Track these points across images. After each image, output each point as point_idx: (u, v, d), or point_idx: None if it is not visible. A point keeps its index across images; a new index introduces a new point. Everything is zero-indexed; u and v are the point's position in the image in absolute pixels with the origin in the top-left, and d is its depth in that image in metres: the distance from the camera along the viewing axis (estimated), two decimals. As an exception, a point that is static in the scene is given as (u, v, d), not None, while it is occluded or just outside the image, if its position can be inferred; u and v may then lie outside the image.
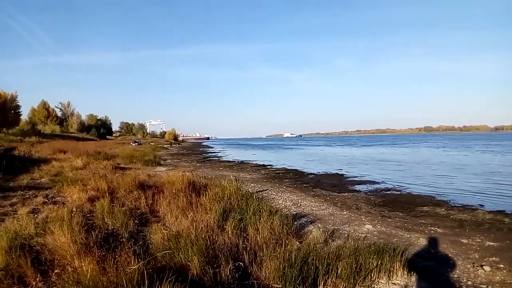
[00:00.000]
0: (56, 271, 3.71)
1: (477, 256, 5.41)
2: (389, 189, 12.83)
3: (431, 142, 72.52)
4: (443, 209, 9.13)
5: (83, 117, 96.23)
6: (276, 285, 3.68)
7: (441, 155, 33.26)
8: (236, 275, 3.79)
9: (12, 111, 47.12)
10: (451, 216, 8.30)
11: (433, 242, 6.10)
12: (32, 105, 73.69)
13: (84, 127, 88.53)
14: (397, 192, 12.18)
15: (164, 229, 5.36)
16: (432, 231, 6.94)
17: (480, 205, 9.67)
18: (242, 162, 28.44)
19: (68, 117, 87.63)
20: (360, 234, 6.47)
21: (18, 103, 48.81)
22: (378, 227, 7.21)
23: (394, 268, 4.33)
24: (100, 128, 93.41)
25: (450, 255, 5.46)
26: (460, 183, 14.16)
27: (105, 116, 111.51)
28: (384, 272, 4.27)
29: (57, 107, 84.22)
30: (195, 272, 3.76)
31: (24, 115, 61.05)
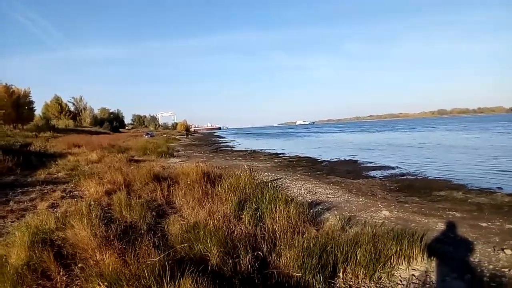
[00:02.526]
0: (79, 264, 3.78)
1: (497, 240, 5.35)
2: (404, 174, 12.71)
3: (447, 125, 71.44)
4: (461, 192, 9.03)
5: (96, 111, 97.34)
6: (296, 274, 3.69)
7: (458, 138, 32.76)
8: (256, 264, 3.81)
9: (26, 107, 47.73)
10: (469, 200, 8.21)
11: (451, 226, 6.04)
12: (45, 100, 74.66)
13: (97, 121, 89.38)
14: (413, 177, 12.07)
15: (181, 220, 5.42)
16: (450, 216, 6.88)
17: (499, 187, 9.54)
18: (254, 151, 28.44)
19: (81, 112, 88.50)
20: (377, 221, 6.43)
21: (31, 99, 49.45)
22: (395, 212, 7.17)
23: (413, 253, 4.30)
24: (112, 121, 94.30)
25: (469, 239, 5.41)
26: (478, 166, 13.95)
27: (117, 109, 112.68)
28: (404, 258, 4.25)
29: (69, 102, 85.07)
30: (214, 262, 3.80)
31: (38, 111, 61.82)
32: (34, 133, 37.09)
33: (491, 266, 4.34)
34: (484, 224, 6.18)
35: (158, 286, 3.07)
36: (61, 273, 3.69)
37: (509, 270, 4.20)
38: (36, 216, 5.62)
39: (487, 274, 4.12)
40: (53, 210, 6.65)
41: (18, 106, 44.55)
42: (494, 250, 4.89)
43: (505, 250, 4.84)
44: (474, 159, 16.48)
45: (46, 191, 8.81)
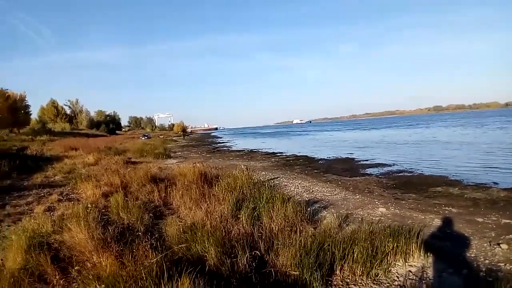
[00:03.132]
0: (76, 267, 3.77)
1: (493, 235, 5.38)
2: (401, 171, 12.76)
3: (444, 121, 71.60)
4: (457, 188, 9.08)
5: (92, 114, 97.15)
6: (294, 272, 3.70)
7: (454, 134, 32.86)
8: (253, 264, 3.81)
9: (22, 111, 47.68)
10: (465, 195, 8.24)
11: (448, 222, 6.07)
12: (41, 104, 74.48)
13: (94, 124, 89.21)
14: (409, 174, 12.12)
15: (179, 221, 5.41)
16: (446, 211, 6.91)
17: (494, 182, 9.58)
18: (251, 151, 28.48)
19: (77, 114, 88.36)
20: (374, 218, 6.43)
21: (27, 103, 49.39)
22: (392, 209, 7.19)
23: (410, 250, 4.31)
24: (109, 124, 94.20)
25: (466, 234, 5.43)
26: (474, 162, 14.00)
27: (114, 112, 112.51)
28: (401, 255, 4.25)
29: (65, 105, 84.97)
30: (212, 262, 3.80)
31: (34, 115, 61.68)
32: (30, 136, 36.98)
33: (487, 261, 4.36)
34: (480, 219, 6.21)
35: (155, 287, 3.07)
36: (58, 277, 3.68)
37: (505, 264, 4.22)
38: (33, 219, 5.58)
39: (484, 269, 4.13)
40: (50, 213, 6.63)
41: (14, 110, 44.46)
42: (490, 245, 4.91)
43: (501, 244, 4.86)
44: (470, 155, 16.55)
45: (42, 194, 8.79)
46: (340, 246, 4.13)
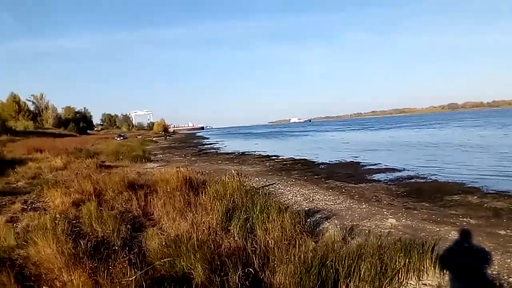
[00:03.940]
0: (44, 287, 3.74)
1: (517, 249, 5.43)
2: (412, 177, 12.85)
3: (460, 121, 72.01)
4: (476, 197, 9.14)
5: (59, 110, 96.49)
6: (293, 292, 3.70)
7: (472, 136, 33.06)
8: (246, 282, 3.81)
9: (-22, 107, 47.18)
10: (485, 205, 8.30)
11: (466, 235, 6.10)
12: (0, 99, 73.79)
13: (61, 122, 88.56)
14: (422, 180, 12.21)
15: (161, 233, 5.39)
16: (464, 223, 6.96)
17: (518, 190, 9.65)
18: (243, 153, 28.52)
19: (42, 111, 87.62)
20: (383, 230, 6.48)
21: (-17, 98, 48.84)
22: (403, 220, 7.23)
23: (424, 266, 4.33)
24: (79, 122, 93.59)
25: (486, 249, 5.47)
26: (495, 167, 14.13)
27: (85, 108, 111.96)
28: (413, 272, 4.26)
29: (29, 100, 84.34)
30: (199, 281, 3.79)
31: (-9, 111, 61.11)
32: (-13, 136, 36.59)
33: (511, 279, 4.40)
34: (502, 232, 6.26)
35: (135, 309, 3.06)
36: (23, 297, 3.65)
37: (531, 282, 4.26)
38: (-7, 232, 5.54)
39: (507, 288, 4.17)
40: (13, 224, 6.55)
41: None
42: (514, 260, 4.95)
43: (526, 260, 4.91)
44: (490, 159, 16.71)
45: (4, 203, 8.70)
46: (344, 262, 4.13)
